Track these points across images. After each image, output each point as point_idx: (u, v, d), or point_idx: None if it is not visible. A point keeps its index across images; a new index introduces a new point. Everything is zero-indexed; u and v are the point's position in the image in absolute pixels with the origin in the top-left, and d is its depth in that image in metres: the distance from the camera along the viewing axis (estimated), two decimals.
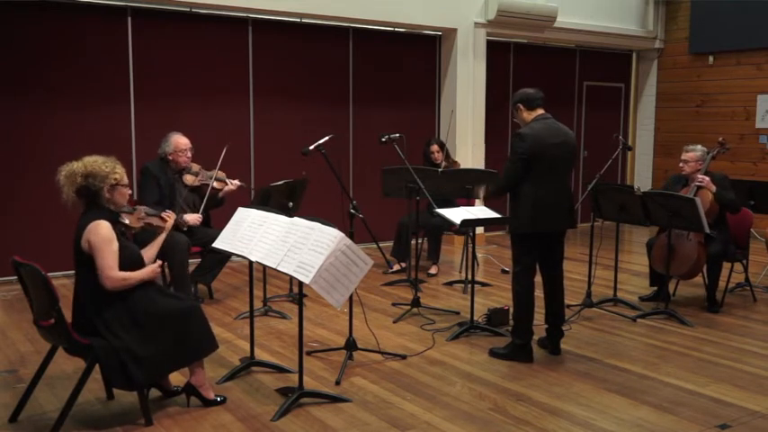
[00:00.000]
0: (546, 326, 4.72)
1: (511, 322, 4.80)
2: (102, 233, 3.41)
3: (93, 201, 3.52)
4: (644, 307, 5.80)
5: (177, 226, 4.14)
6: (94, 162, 3.52)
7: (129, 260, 3.53)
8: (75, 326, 3.48)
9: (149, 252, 3.84)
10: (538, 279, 4.63)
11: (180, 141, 5.70)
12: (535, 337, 4.76)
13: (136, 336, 3.43)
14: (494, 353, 4.67)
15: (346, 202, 4.65)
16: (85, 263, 3.46)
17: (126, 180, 3.63)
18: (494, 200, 7.27)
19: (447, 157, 7.28)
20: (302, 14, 7.80)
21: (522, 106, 4.57)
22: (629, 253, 8.56)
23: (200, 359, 3.69)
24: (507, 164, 4.47)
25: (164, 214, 4.11)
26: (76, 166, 3.51)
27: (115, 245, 3.45)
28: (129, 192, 3.69)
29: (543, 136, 4.38)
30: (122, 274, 3.46)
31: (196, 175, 5.81)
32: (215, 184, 5.78)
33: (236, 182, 5.95)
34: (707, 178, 5.59)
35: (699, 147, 5.79)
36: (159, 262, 3.77)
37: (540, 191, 4.37)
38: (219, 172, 5.88)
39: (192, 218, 5.60)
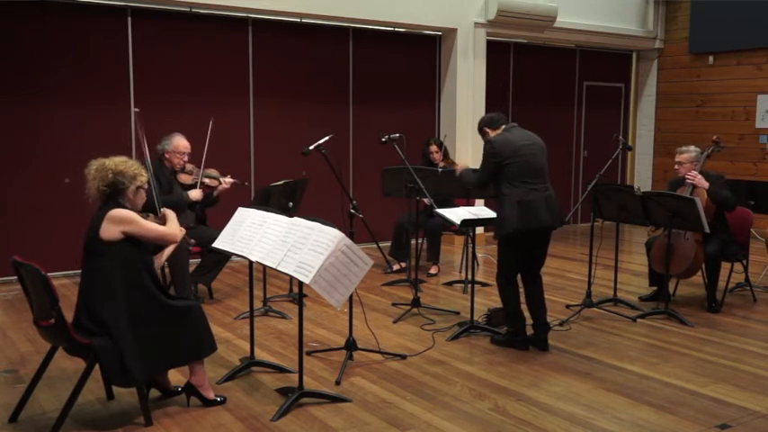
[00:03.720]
0: (531, 322, 4.80)
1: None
2: (129, 217, 3.51)
3: (114, 198, 3.58)
4: (644, 307, 5.80)
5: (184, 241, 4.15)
6: (125, 162, 3.64)
7: (148, 249, 3.64)
8: (76, 326, 3.49)
9: (158, 261, 3.86)
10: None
11: (181, 143, 5.71)
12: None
13: (136, 332, 3.44)
14: (494, 340, 4.90)
15: (346, 202, 4.65)
16: (100, 253, 3.48)
17: (147, 186, 3.73)
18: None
19: (445, 156, 7.29)
20: (302, 14, 7.80)
21: (487, 129, 4.87)
22: (629, 253, 8.56)
23: (199, 359, 3.70)
24: (481, 165, 4.77)
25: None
26: (108, 162, 3.61)
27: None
28: (145, 199, 3.75)
29: (513, 139, 4.66)
30: (169, 227, 3.71)
31: (190, 173, 5.82)
32: (206, 181, 5.83)
33: (230, 179, 5.95)
34: (698, 175, 5.59)
35: (692, 147, 5.79)
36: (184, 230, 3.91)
37: (522, 190, 4.55)
38: (213, 170, 5.91)
39: (195, 194, 5.69)
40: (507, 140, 4.63)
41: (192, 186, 5.80)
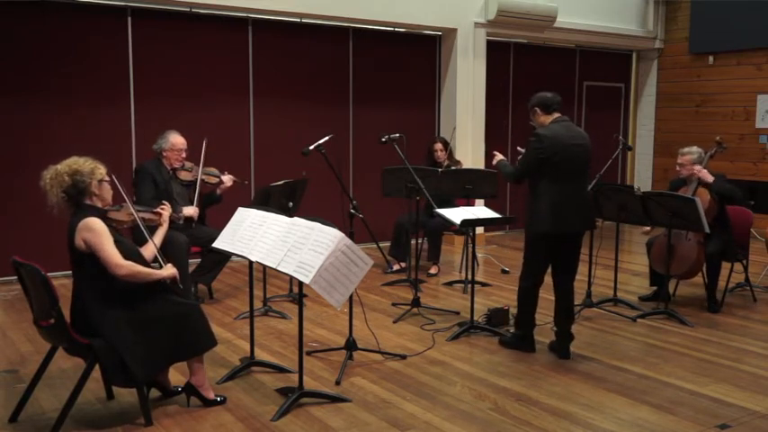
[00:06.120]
0: (555, 329, 4.71)
1: (513, 312, 4.96)
2: (95, 228, 3.43)
3: (80, 200, 3.53)
4: (644, 307, 5.79)
5: (172, 221, 4.09)
6: (75, 162, 3.56)
7: (125, 255, 3.52)
8: (75, 326, 3.49)
9: (150, 246, 3.83)
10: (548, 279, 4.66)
11: (177, 141, 5.70)
12: (545, 340, 4.82)
13: (136, 332, 3.44)
14: (502, 341, 4.86)
15: (346, 202, 4.65)
16: (83, 262, 3.47)
17: (107, 177, 3.65)
18: (493, 199, 7.29)
19: (450, 155, 7.28)
20: (302, 14, 7.80)
21: (538, 110, 4.61)
22: (629, 253, 8.56)
23: (199, 355, 3.69)
24: (522, 158, 4.55)
25: (158, 208, 4.09)
26: (60, 167, 3.54)
27: (111, 237, 3.46)
28: (112, 191, 3.70)
29: (561, 138, 4.43)
30: (131, 263, 3.46)
31: (190, 170, 5.82)
32: (205, 178, 5.82)
33: (229, 176, 5.94)
34: (704, 170, 5.58)
35: (694, 148, 5.76)
36: (175, 270, 3.67)
37: (558, 192, 4.41)
38: (212, 168, 5.91)
39: (189, 210, 5.63)
40: (556, 136, 4.41)
41: (192, 183, 5.79)
